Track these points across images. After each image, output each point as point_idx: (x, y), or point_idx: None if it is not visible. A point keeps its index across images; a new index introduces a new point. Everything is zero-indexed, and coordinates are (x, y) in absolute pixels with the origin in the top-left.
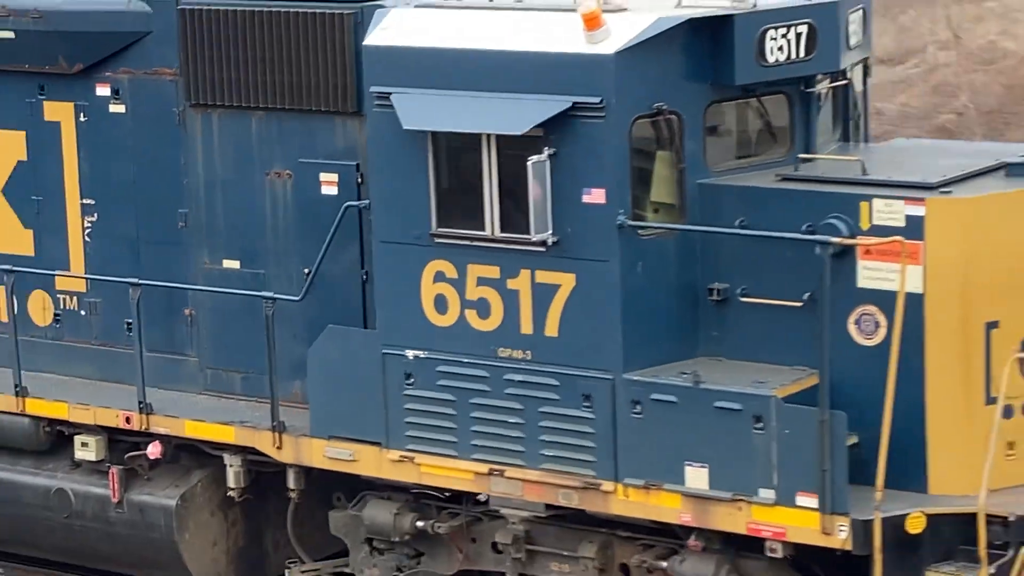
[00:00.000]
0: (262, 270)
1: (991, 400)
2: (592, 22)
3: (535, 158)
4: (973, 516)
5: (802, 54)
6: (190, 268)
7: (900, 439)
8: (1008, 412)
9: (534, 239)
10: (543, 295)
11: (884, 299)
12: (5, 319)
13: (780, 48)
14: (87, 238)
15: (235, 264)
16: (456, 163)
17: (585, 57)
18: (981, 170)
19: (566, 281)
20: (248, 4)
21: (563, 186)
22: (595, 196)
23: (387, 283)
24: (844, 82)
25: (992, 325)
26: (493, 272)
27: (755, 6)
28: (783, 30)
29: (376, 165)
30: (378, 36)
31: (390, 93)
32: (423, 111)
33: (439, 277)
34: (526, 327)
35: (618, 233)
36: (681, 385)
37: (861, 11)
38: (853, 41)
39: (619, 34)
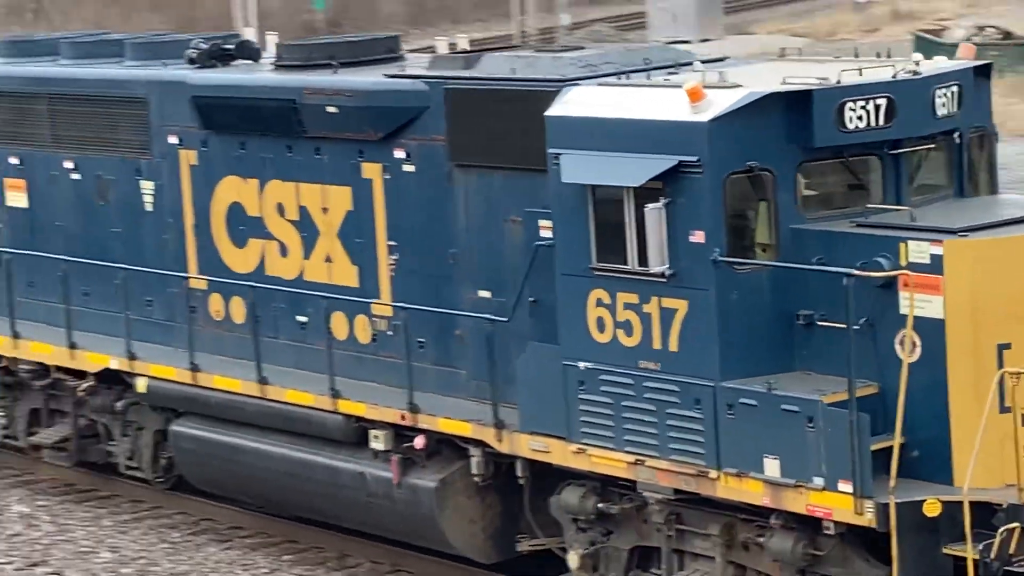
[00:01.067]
0: (504, 299)
1: (1005, 409)
2: (694, 95)
3: (651, 205)
4: (983, 503)
5: (881, 123)
6: (458, 297)
7: (930, 440)
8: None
9: (653, 271)
10: (667, 317)
11: (919, 323)
12: (341, 337)
13: (860, 117)
14: (391, 273)
15: (487, 294)
16: (607, 210)
17: (687, 124)
18: (1013, 219)
19: (681, 306)
20: (488, 84)
21: (676, 228)
22: (698, 237)
23: (565, 307)
24: (930, 146)
25: (1004, 346)
26: (633, 299)
27: (839, 83)
28: (862, 102)
29: (556, 212)
30: (557, 108)
31: (560, 154)
32: (578, 168)
33: (599, 303)
34: (656, 343)
35: (714, 267)
36: (758, 391)
37: (956, 87)
38: (942, 112)
39: (716, 105)
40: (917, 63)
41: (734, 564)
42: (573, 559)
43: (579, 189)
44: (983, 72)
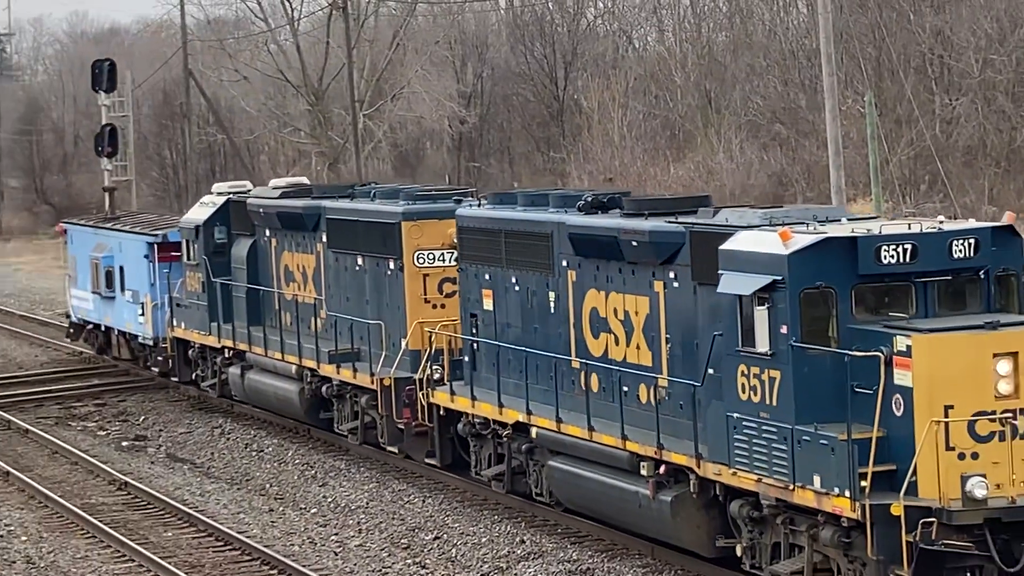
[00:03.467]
0: (721, 374)
1: (950, 448)
2: (784, 236)
3: (759, 307)
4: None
5: (907, 260)
6: (700, 374)
7: (904, 466)
8: (961, 456)
9: (760, 351)
10: (771, 383)
11: (902, 390)
12: (644, 401)
13: (892, 256)
14: (668, 355)
15: (712, 371)
16: (745, 311)
17: (777, 255)
18: (970, 325)
19: (778, 376)
20: (709, 228)
21: (774, 323)
22: (784, 329)
23: (726, 376)
24: (947, 278)
25: (949, 407)
26: (757, 370)
27: (879, 232)
28: (894, 246)
29: (722, 313)
30: (726, 244)
31: (722, 274)
32: (726, 282)
33: (741, 373)
34: (767, 401)
35: (792, 350)
36: (810, 431)
37: (973, 239)
38: (958, 256)
39: (796, 243)
40: (941, 222)
41: (819, 552)
42: (738, 550)
43: (732, 297)
44: (1012, 231)
